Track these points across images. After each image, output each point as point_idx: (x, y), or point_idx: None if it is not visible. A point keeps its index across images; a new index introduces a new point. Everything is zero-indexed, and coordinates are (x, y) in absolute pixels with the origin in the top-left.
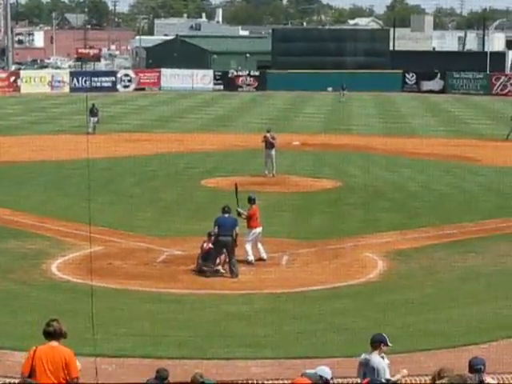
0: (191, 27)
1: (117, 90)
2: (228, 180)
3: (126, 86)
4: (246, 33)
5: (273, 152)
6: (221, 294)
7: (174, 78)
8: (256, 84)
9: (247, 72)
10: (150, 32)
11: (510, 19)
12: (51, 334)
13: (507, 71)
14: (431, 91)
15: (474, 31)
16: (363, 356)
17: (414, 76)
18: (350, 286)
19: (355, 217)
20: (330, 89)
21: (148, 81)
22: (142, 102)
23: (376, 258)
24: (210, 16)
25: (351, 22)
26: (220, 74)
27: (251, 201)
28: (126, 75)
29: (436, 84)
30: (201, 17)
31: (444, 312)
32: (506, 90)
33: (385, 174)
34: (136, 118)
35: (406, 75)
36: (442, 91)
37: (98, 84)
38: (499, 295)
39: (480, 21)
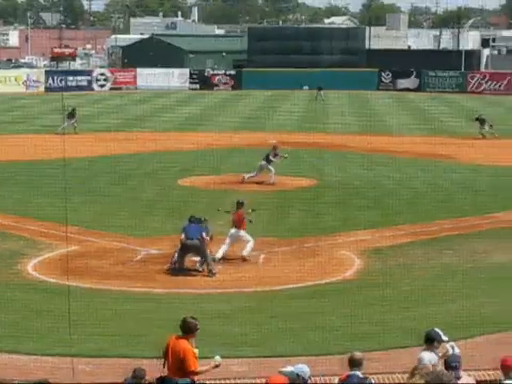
0: (167, 26)
1: (93, 89)
2: (205, 179)
3: (101, 85)
4: (221, 31)
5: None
6: (198, 293)
7: (150, 76)
8: (232, 83)
9: (223, 71)
10: (126, 31)
11: (484, 17)
12: (181, 328)
13: (482, 69)
14: (407, 89)
15: (449, 30)
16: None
17: (390, 74)
18: (327, 284)
19: (332, 215)
20: (305, 87)
21: (124, 80)
22: (118, 101)
23: (353, 256)
24: (186, 15)
25: (327, 20)
26: (196, 72)
27: (239, 205)
28: (102, 74)
29: (411, 82)
30: (176, 16)
31: (420, 309)
32: (481, 88)
33: (361, 172)
34: (112, 117)
35: (382, 73)
36: (418, 89)
37: (74, 83)
38: (475, 292)
39: (455, 19)
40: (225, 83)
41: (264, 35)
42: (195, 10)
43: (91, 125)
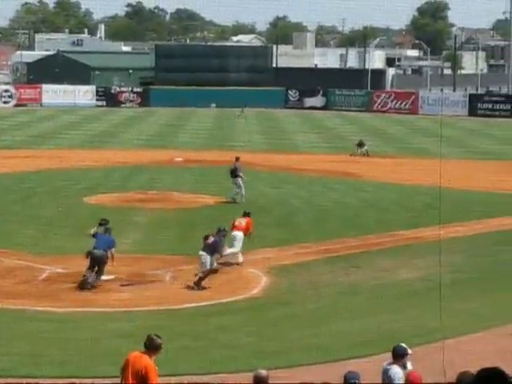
0: (73, 43)
1: None
2: (111, 196)
3: (6, 102)
4: (128, 49)
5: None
6: (103, 312)
7: (55, 93)
8: (139, 100)
9: (130, 88)
10: (31, 47)
11: (389, 37)
12: (144, 345)
13: (387, 88)
14: (314, 108)
15: (355, 49)
16: (384, 365)
17: (297, 93)
18: (234, 302)
19: None
20: (213, 105)
21: (29, 96)
22: (23, 118)
23: (260, 274)
24: (92, 32)
25: (234, 38)
26: (102, 89)
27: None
28: (6, 91)
29: (318, 101)
30: (83, 32)
31: (326, 326)
32: (387, 107)
33: (268, 190)
34: (16, 134)
35: (289, 92)
36: (325, 107)
37: None
38: (380, 309)
39: (361, 38)
40: (131, 100)
41: (171, 53)
42: (101, 27)
43: None
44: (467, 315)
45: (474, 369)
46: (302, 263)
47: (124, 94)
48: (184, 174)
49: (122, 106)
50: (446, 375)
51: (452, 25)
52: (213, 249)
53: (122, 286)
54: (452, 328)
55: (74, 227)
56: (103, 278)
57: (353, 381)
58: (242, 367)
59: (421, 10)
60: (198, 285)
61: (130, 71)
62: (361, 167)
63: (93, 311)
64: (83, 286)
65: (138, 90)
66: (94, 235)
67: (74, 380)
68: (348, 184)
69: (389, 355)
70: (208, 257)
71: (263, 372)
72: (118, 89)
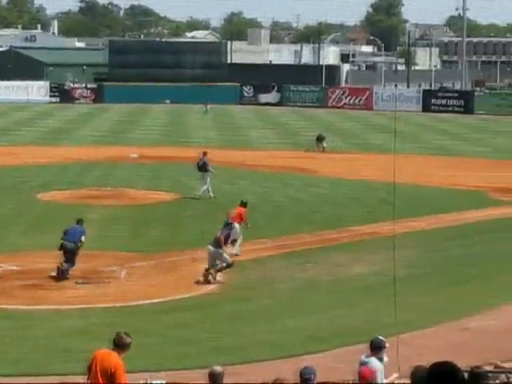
0: (26, 39)
1: None
2: (65, 193)
3: None
4: (82, 45)
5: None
6: (57, 309)
7: (8, 90)
8: (93, 96)
9: (84, 84)
10: None
11: (344, 33)
12: (113, 342)
13: (342, 84)
14: (268, 104)
15: (310, 45)
16: (362, 358)
17: (252, 89)
18: (189, 299)
19: (193, 229)
20: (167, 101)
21: None
22: None
23: None
24: (46, 27)
25: (189, 34)
26: (56, 86)
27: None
28: None
29: (273, 97)
30: (36, 28)
31: (281, 322)
32: (342, 103)
33: (223, 187)
34: None
35: (244, 88)
36: (279, 103)
37: None
38: (335, 304)
39: (315, 34)
40: (86, 97)
41: (125, 48)
42: (55, 23)
43: None
44: (421, 310)
45: (427, 363)
46: (258, 259)
47: (78, 91)
48: (139, 170)
49: (76, 102)
50: (401, 369)
51: (406, 21)
52: (224, 243)
53: (76, 283)
54: (406, 323)
55: (27, 224)
56: (53, 274)
57: (308, 376)
58: (197, 363)
59: (375, 6)
60: (214, 278)
61: (84, 67)
62: (316, 163)
63: (47, 308)
64: (60, 275)
65: (92, 86)
66: (64, 233)
67: (29, 378)
68: (303, 180)
69: (344, 349)
70: (219, 251)
71: (218, 368)
72: (71, 85)
